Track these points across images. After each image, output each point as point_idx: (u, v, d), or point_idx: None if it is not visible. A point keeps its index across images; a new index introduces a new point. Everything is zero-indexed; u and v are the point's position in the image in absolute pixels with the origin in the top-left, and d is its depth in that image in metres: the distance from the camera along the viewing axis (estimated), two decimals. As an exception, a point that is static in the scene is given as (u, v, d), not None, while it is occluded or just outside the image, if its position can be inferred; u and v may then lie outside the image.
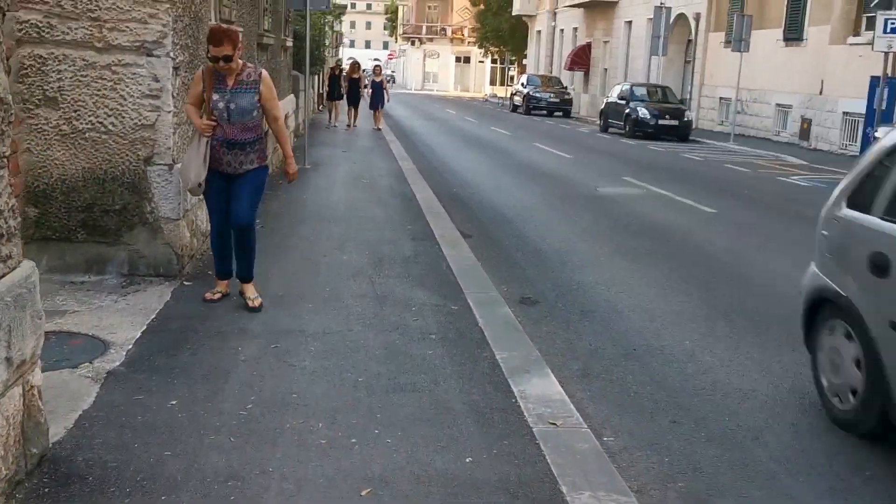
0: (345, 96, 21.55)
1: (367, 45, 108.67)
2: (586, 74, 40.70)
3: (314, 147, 15.40)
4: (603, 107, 26.99)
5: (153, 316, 4.86)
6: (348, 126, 20.74)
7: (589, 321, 5.59)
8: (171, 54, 5.54)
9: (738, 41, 22.19)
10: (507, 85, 53.57)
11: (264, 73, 5.18)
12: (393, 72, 69.09)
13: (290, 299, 5.40)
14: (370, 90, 21.30)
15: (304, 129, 13.44)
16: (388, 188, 10.88)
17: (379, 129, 20.49)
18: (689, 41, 31.02)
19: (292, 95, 15.98)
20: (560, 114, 36.09)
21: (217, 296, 5.27)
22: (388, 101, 21.62)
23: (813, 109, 21.95)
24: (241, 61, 5.06)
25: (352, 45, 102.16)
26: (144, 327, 4.66)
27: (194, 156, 5.02)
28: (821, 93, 21.50)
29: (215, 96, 4.97)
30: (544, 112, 36.02)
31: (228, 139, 5.04)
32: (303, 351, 4.44)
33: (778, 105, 24.00)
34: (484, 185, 12.12)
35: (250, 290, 5.28)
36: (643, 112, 23.64)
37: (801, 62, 22.60)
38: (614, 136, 24.04)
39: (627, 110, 24.29)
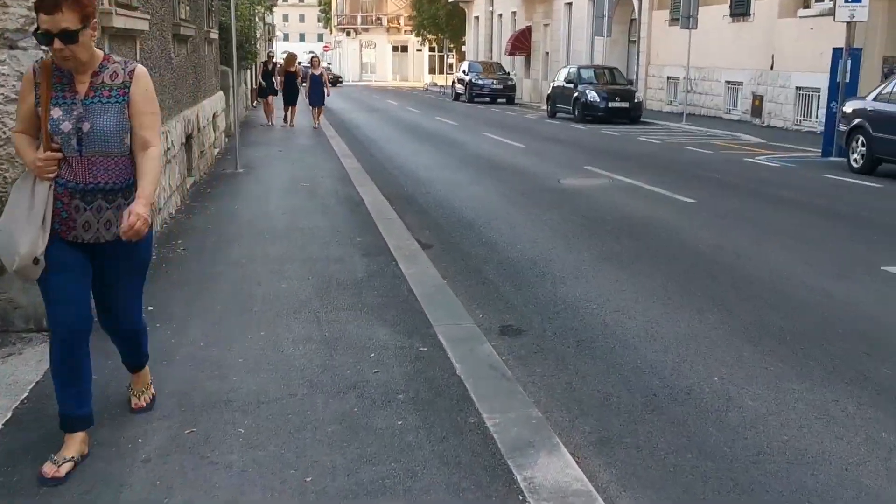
0: (280, 92, 19.59)
1: (302, 37, 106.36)
2: (527, 59, 39.86)
3: (248, 147, 14.11)
4: (549, 91, 26.12)
5: (25, 395, 3.66)
6: (285, 123, 18.99)
7: (589, 355, 4.57)
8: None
9: (686, 18, 21.49)
10: (447, 73, 52.52)
11: (139, 69, 3.16)
12: (329, 64, 66.92)
13: (213, 352, 4.25)
14: (308, 84, 19.28)
15: (235, 128, 12.16)
16: (332, 192, 9.72)
17: (317, 127, 18.62)
18: (633, 20, 30.36)
19: (221, 92, 14.64)
20: (503, 100, 35.18)
21: (64, 470, 2.97)
22: (328, 94, 19.63)
23: (764, 85, 21.40)
24: (100, 51, 3.11)
25: (286, 38, 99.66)
26: (9, 415, 3.46)
27: (25, 213, 2.97)
28: (772, 68, 20.94)
29: (56, 112, 3.00)
30: (487, 99, 35.07)
31: (82, 184, 3.03)
32: (229, 436, 3.30)
33: (728, 82, 23.43)
34: (437, 183, 11.04)
35: (141, 381, 3.59)
36: (592, 95, 22.82)
37: (749, 37, 22.03)
38: (564, 122, 23.18)
39: (576, 94, 23.44)
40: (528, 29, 39.26)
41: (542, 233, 7.80)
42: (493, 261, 6.75)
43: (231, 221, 7.84)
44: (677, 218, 8.52)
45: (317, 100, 18.99)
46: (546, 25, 37.39)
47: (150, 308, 4.96)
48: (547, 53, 37.38)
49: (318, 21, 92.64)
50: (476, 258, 6.85)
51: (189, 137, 10.02)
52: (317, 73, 19.12)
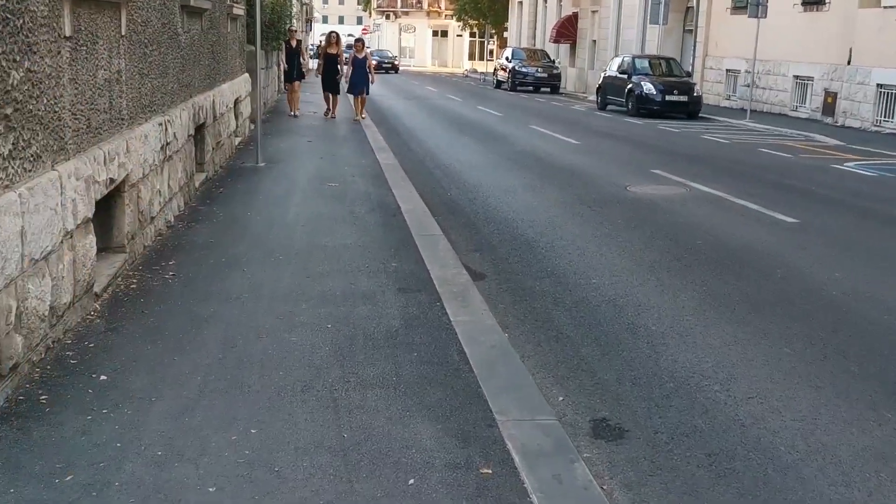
0: (321, 78, 16.73)
1: (341, 20, 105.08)
2: (573, 47, 38.09)
3: (274, 136, 12.74)
4: (600, 82, 24.43)
5: None
6: (327, 113, 16.53)
7: (734, 485, 3.09)
8: None
9: (754, 6, 19.64)
10: (487, 59, 50.85)
11: None
12: (368, 48, 65.86)
13: (174, 472, 2.84)
14: (350, 69, 16.35)
15: (258, 116, 10.78)
16: (364, 195, 8.30)
17: (361, 119, 16.13)
18: (689, 8, 28.49)
19: (247, 75, 13.27)
20: (547, 90, 33.52)
21: None
22: (373, 82, 16.76)
23: (839, 81, 19.55)
24: None
25: (325, 20, 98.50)
26: None
27: None
28: (849, 62, 19.07)
29: None
30: (530, 88, 33.43)
31: None
32: None
33: (796, 77, 21.57)
34: (485, 187, 9.56)
35: None
36: (648, 88, 21.11)
37: (823, 29, 20.16)
38: (615, 115, 21.51)
39: (630, 86, 21.74)
40: (575, 15, 37.47)
41: (620, 261, 6.29)
42: (565, 302, 5.26)
43: (239, 234, 6.44)
44: (783, 245, 6.95)
45: (359, 87, 16.40)
46: (594, 12, 35.59)
47: (103, 378, 3.58)
48: (594, 42, 35.60)
49: (358, 3, 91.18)
50: (542, 297, 5.37)
51: (201, 127, 8.65)
52: (360, 56, 16.55)
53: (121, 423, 3.17)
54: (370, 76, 16.52)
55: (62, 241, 4.02)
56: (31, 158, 3.73)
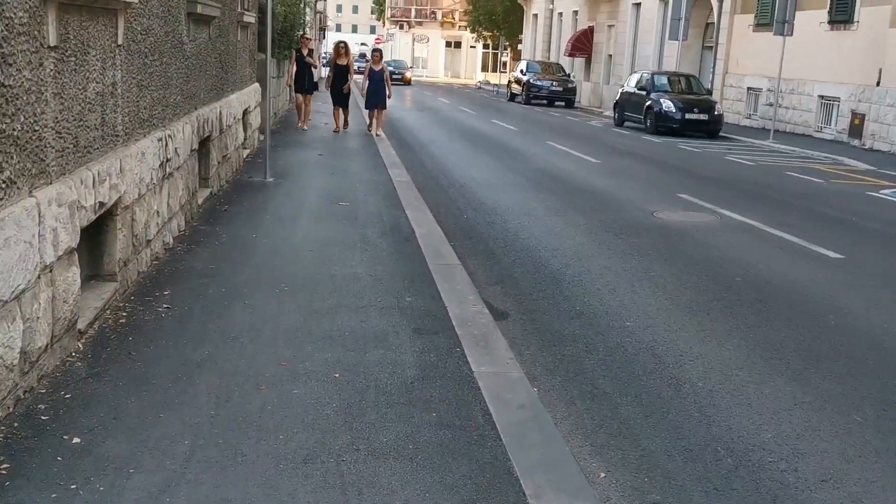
0: (330, 90, 15.62)
1: (354, 29, 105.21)
2: (588, 61, 37.65)
3: (284, 149, 12.31)
4: (618, 98, 23.93)
5: None
6: (336, 130, 15.40)
7: None
8: None
9: (780, 23, 19.15)
10: (500, 71, 50.51)
11: None
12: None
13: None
14: (366, 82, 15.43)
15: (267, 129, 10.31)
16: (376, 217, 7.83)
17: (378, 136, 14.98)
18: (709, 24, 28.02)
19: (257, 84, 12.85)
20: (562, 104, 33.05)
21: None
22: (389, 96, 15.65)
23: (867, 103, 19.00)
24: None
25: (338, 29, 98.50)
26: None
27: None
28: (878, 84, 18.54)
29: None
30: (545, 101, 32.97)
31: None
32: None
33: (821, 97, 21.03)
34: (503, 209, 9.07)
35: None
36: (668, 105, 20.61)
37: (851, 48, 19.64)
38: (634, 132, 21.02)
39: (648, 102, 21.25)
40: (591, 29, 37.05)
41: (654, 300, 5.78)
42: (598, 349, 4.76)
43: (242, 260, 5.97)
44: (831, 284, 6.42)
45: (376, 101, 15.42)
46: (610, 26, 35.17)
47: (76, 441, 3.10)
48: (610, 56, 35.17)
49: (372, 13, 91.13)
50: (572, 342, 4.87)
51: (206, 141, 8.21)
52: (377, 68, 15.50)
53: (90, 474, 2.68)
54: (388, 89, 15.53)
55: (39, 277, 3.56)
56: (3, 185, 3.27)
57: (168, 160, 6.15)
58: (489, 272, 6.39)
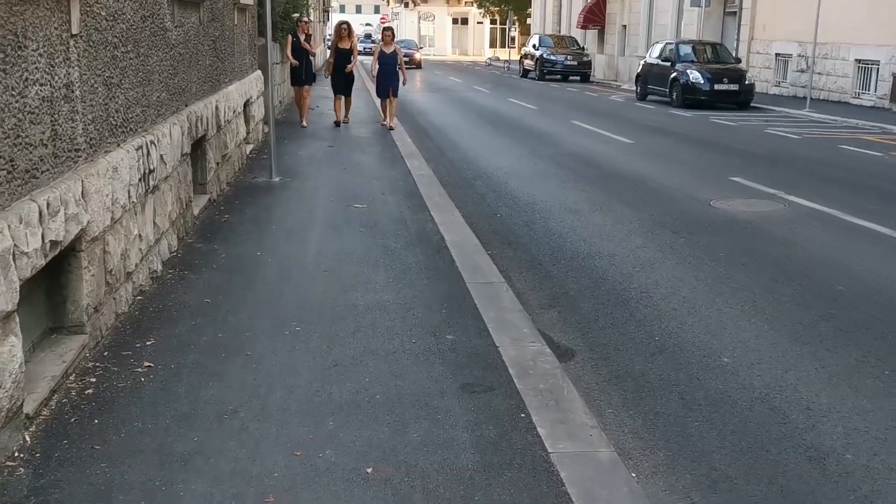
0: (331, 78, 13.40)
1: (358, 9, 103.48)
2: (601, 33, 36.33)
3: (289, 141, 11.27)
4: (639, 70, 22.69)
5: None
6: (338, 122, 13.46)
7: None
8: None
9: (816, -17, 17.87)
10: (509, 47, 49.17)
11: None
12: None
13: None
14: (376, 66, 13.23)
15: (271, 123, 9.25)
16: (398, 221, 6.80)
17: (392, 127, 13.06)
18: (731, -11, 26.65)
19: (259, 72, 11.79)
20: (577, 78, 31.80)
21: None
22: (404, 82, 13.39)
23: (910, 65, 17.76)
24: None
25: (342, 9, 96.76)
26: None
27: None
28: (923, 44, 17.28)
29: None
30: (559, 77, 31.75)
31: None
32: None
33: (858, 61, 19.76)
34: (541, 204, 8.02)
35: None
36: (695, 76, 19.38)
37: (890, 7, 18.33)
38: (659, 106, 19.83)
39: (674, 74, 20.03)
40: (603, 0, 35.67)
41: (748, 323, 4.72)
42: (699, 401, 3.72)
43: (244, 289, 4.96)
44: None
45: (389, 88, 13.17)
46: (624, -5, 33.80)
47: None
48: (624, 27, 33.82)
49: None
50: (663, 392, 3.83)
51: (201, 141, 7.19)
52: (389, 51, 13.18)
53: None
54: (402, 75, 13.28)
55: (-45, 362, 2.56)
56: None
57: (151, 171, 5.13)
58: (539, 290, 5.35)
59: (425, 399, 3.49)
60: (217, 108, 7.92)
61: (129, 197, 4.60)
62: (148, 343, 4.04)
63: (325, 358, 3.91)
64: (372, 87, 13.70)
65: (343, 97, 13.45)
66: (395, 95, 13.36)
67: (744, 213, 7.54)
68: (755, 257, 6.07)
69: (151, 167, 5.13)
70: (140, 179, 4.84)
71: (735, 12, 25.75)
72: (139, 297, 4.69)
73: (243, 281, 5.12)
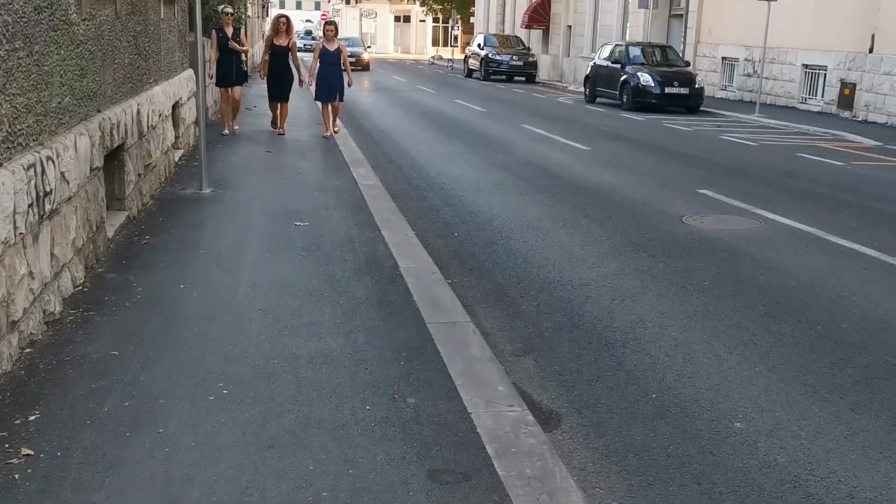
0: (267, 80, 11.80)
1: (298, 5, 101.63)
2: (545, 33, 35.97)
3: (224, 145, 10.38)
4: (588, 71, 22.26)
5: None
6: (275, 128, 11.98)
7: None
8: None
9: (767, -14, 17.62)
10: (452, 46, 48.59)
11: None
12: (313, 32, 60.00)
13: None
14: (316, 65, 11.49)
15: (201, 127, 8.31)
16: (345, 242, 6.03)
17: (334, 133, 11.80)
18: (677, -9, 26.48)
19: (190, 71, 10.84)
20: (522, 79, 31.33)
21: None
22: (349, 84, 11.74)
23: (858, 71, 17.65)
24: None
25: (281, 5, 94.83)
26: None
27: None
28: (871, 51, 17.18)
29: None
30: (504, 77, 31.22)
31: None
32: None
33: (805, 66, 19.66)
34: (501, 220, 7.34)
35: None
36: (646, 79, 19.01)
37: (838, 13, 18.24)
38: (609, 109, 19.40)
39: (624, 76, 19.63)
40: (548, 0, 35.31)
41: (754, 374, 4.08)
42: (719, 488, 3.06)
43: (161, 335, 4.14)
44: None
45: (332, 91, 11.53)
46: (569, -5, 33.47)
47: None
48: (569, 27, 33.50)
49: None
50: (676, 474, 3.15)
51: (119, 150, 6.30)
52: (332, 48, 11.49)
53: None
54: (347, 76, 11.63)
55: None
56: None
57: (48, 193, 4.27)
58: (510, 330, 4.65)
59: (385, 495, 2.75)
60: (139, 112, 7.02)
61: (15, 228, 3.74)
62: (31, 418, 3.21)
63: (259, 435, 3.14)
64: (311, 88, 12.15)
65: (281, 103, 11.79)
66: (341, 99, 11.83)
67: (720, 233, 6.98)
68: (743, 287, 5.48)
69: (48, 188, 4.27)
70: (31, 205, 3.98)
71: (681, 15, 25.57)
72: (28, 351, 3.84)
73: (161, 324, 4.30)
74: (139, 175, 6.99)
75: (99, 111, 5.72)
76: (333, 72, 11.53)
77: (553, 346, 4.43)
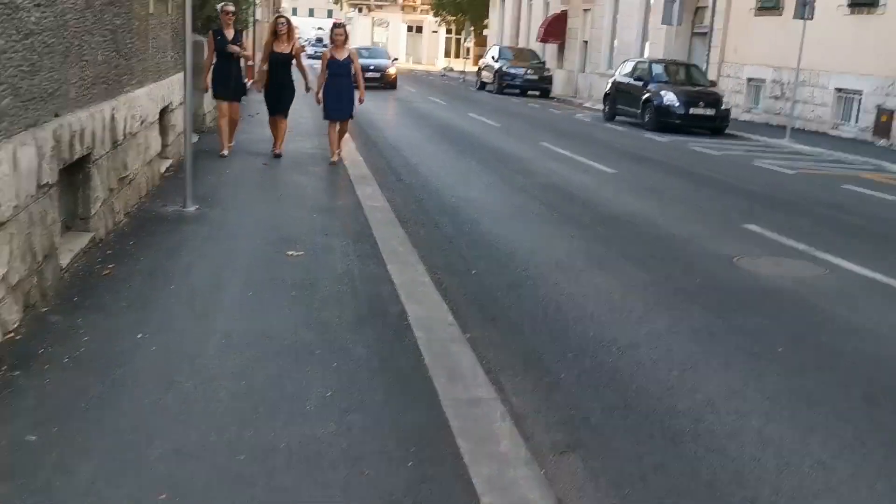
0: (265, 92, 9.99)
1: (311, 12, 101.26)
2: (561, 47, 35.10)
3: (216, 158, 9.43)
4: (608, 88, 21.30)
5: None
6: (275, 148, 10.06)
7: None
8: None
9: (801, 5, 16.69)
10: (464, 57, 47.89)
11: None
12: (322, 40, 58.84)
13: None
14: (323, 78, 9.64)
15: (186, 139, 7.32)
16: (345, 281, 5.09)
17: (335, 161, 9.74)
18: (700, 8, 25.58)
19: (182, 74, 9.89)
20: (537, 93, 30.41)
21: None
22: (361, 100, 9.82)
23: (896, 97, 16.72)
24: None
25: (294, 12, 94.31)
26: None
27: None
28: (912, 76, 16.25)
29: None
30: (517, 91, 30.28)
31: None
32: None
33: (839, 90, 18.70)
34: (525, 256, 6.37)
35: None
36: (670, 98, 18.05)
37: (876, 35, 17.28)
38: (630, 129, 18.46)
39: (647, 95, 18.67)
40: (565, 14, 34.47)
41: (876, 498, 3.15)
42: None
43: (100, 407, 3.18)
44: None
45: (342, 108, 9.67)
46: (586, 10, 32.64)
47: None
48: (585, 42, 32.66)
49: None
50: None
51: (83, 163, 5.37)
52: (342, 57, 9.56)
53: None
54: (359, 90, 9.74)
55: None
56: None
57: (-36, 220, 3.34)
58: (547, 412, 3.67)
59: None
60: (114, 117, 6.09)
61: None
62: None
63: (204, 593, 2.18)
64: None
65: (281, 118, 10.01)
66: (350, 117, 9.90)
67: (781, 281, 5.99)
68: (827, 356, 4.51)
69: (-36, 214, 3.34)
70: (-69, 238, 3.05)
71: (705, 33, 24.65)
72: (-85, 433, 2.89)
73: (103, 391, 3.35)
74: (111, 190, 6.05)
75: (57, 115, 4.80)
76: (343, 85, 9.62)
77: (604, 438, 3.46)
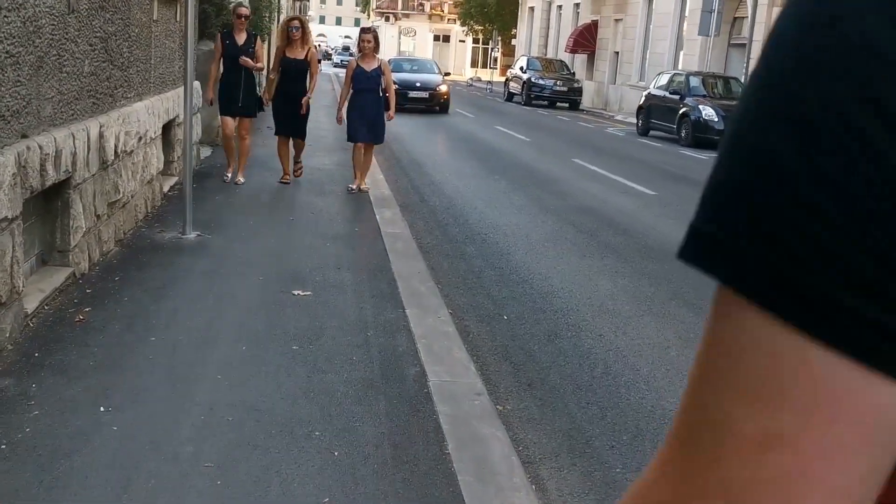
0: (272, 106, 8.67)
1: (339, 21, 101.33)
2: (590, 58, 34.32)
3: (217, 176, 8.70)
4: (642, 101, 20.49)
5: None
6: (285, 180, 8.68)
7: None
8: None
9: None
10: (491, 67, 47.25)
11: None
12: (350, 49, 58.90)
13: None
14: (347, 92, 8.57)
15: (187, 158, 6.54)
16: (356, 331, 4.35)
17: (356, 190, 8.45)
18: (736, 18, 24.70)
19: (196, 83, 9.22)
20: (566, 105, 29.61)
21: None
22: (390, 117, 8.62)
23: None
24: None
25: (321, 20, 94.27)
26: None
27: None
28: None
29: None
30: (546, 103, 29.50)
31: None
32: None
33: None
34: (567, 298, 5.60)
35: None
36: (709, 113, 17.20)
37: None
38: (666, 144, 17.61)
39: (683, 109, 17.84)
40: (595, 24, 33.71)
41: None
42: None
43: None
44: None
45: (373, 128, 8.40)
46: (618, 21, 31.84)
47: None
48: (616, 53, 31.85)
49: (357, 5, 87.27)
50: None
51: (61, 189, 4.69)
52: (370, 68, 8.36)
53: None
54: (389, 106, 8.54)
55: None
56: None
57: None
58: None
59: None
60: (102, 135, 5.42)
61: None
62: None
63: None
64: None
65: (292, 138, 8.64)
66: (381, 141, 8.58)
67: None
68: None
69: None
70: None
71: (743, 44, 23.74)
72: None
73: (42, 493, 2.63)
74: (98, 217, 5.37)
75: (24, 136, 4.12)
76: (371, 101, 8.29)
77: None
